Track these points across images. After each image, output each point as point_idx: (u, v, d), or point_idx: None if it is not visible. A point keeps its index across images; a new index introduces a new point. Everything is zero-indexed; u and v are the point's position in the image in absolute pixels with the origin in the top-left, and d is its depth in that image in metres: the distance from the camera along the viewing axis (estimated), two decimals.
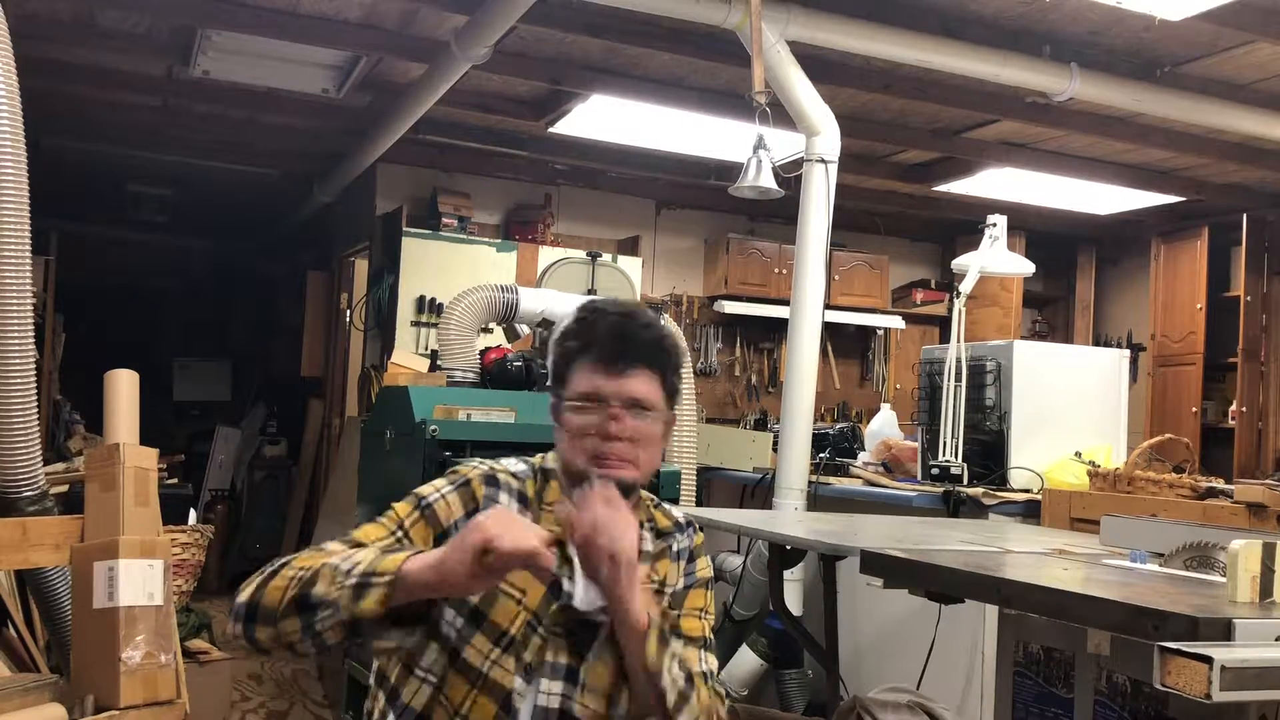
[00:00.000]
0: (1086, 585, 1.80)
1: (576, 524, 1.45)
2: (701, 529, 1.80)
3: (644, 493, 1.71)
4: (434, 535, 1.56)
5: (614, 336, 1.60)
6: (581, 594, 1.52)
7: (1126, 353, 4.26)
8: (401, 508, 1.59)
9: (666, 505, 1.76)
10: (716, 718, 1.61)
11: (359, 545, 1.51)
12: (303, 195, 7.36)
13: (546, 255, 6.24)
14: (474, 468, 1.63)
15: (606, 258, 6.29)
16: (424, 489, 1.61)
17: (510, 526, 1.37)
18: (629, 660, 1.52)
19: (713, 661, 1.67)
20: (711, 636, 1.71)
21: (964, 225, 7.00)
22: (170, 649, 2.47)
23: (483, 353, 3.95)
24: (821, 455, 4.35)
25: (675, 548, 1.71)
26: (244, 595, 1.46)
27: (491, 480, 1.61)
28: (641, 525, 1.65)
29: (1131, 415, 4.25)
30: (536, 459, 1.69)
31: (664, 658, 1.51)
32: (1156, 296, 7.10)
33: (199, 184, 7.54)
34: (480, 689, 1.53)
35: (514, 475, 1.64)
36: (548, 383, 1.68)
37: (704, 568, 1.74)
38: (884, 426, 4.56)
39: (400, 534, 1.56)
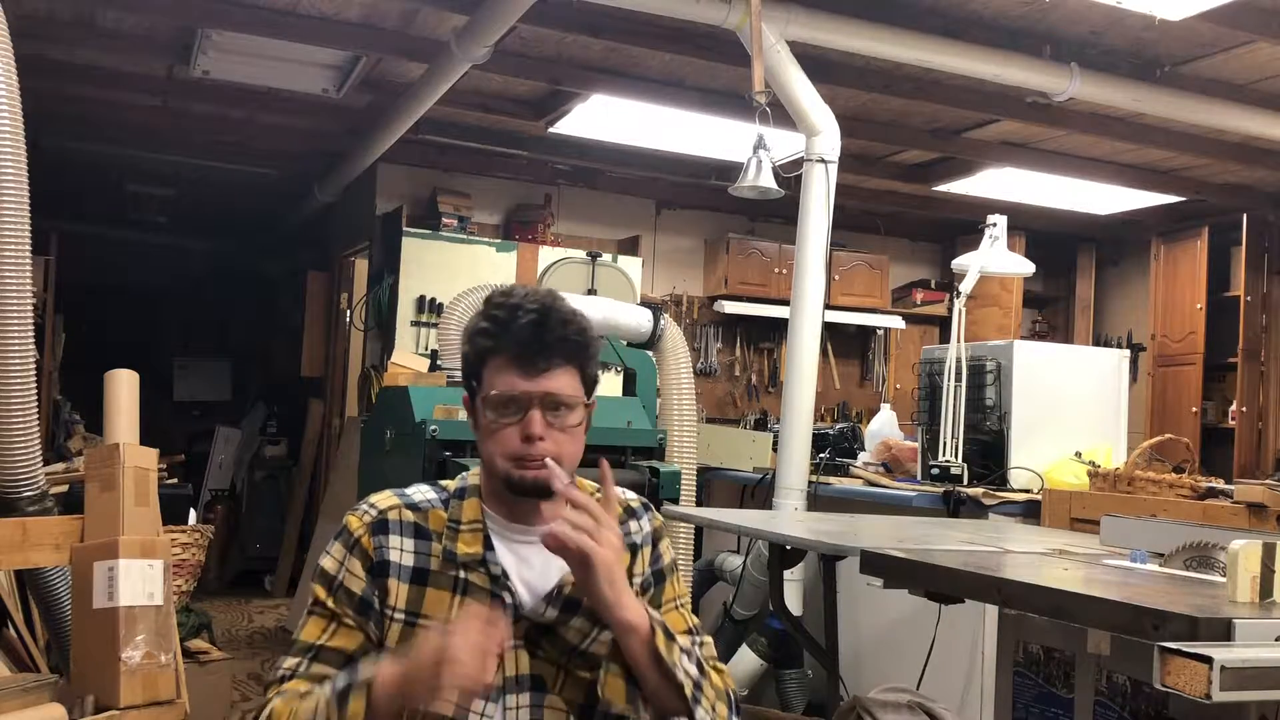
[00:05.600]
0: (1086, 585, 1.80)
1: (546, 536, 1.45)
2: (659, 510, 1.75)
3: (586, 483, 1.64)
4: (357, 609, 1.54)
5: (531, 335, 1.52)
6: (527, 599, 1.54)
7: (1126, 353, 4.26)
8: (319, 590, 1.56)
9: (618, 491, 1.64)
10: (731, 695, 1.61)
11: (305, 652, 1.52)
12: (303, 195, 7.37)
13: (546, 255, 6.24)
14: (361, 517, 1.58)
15: (606, 258, 6.29)
16: (327, 562, 1.56)
17: (467, 660, 1.37)
18: (637, 664, 1.49)
19: (710, 646, 1.66)
20: (696, 620, 1.69)
21: (964, 225, 7.01)
22: (170, 649, 2.47)
23: None
24: (821, 455, 4.35)
25: (633, 539, 1.65)
26: None
27: (380, 527, 1.56)
28: None
29: (1131, 415, 4.25)
30: (453, 482, 1.64)
31: (675, 654, 1.50)
32: (1156, 296, 7.10)
33: (199, 184, 7.54)
34: None
35: (413, 508, 1.58)
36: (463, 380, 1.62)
37: (667, 550, 1.70)
38: (884, 426, 4.55)
39: (334, 624, 1.54)
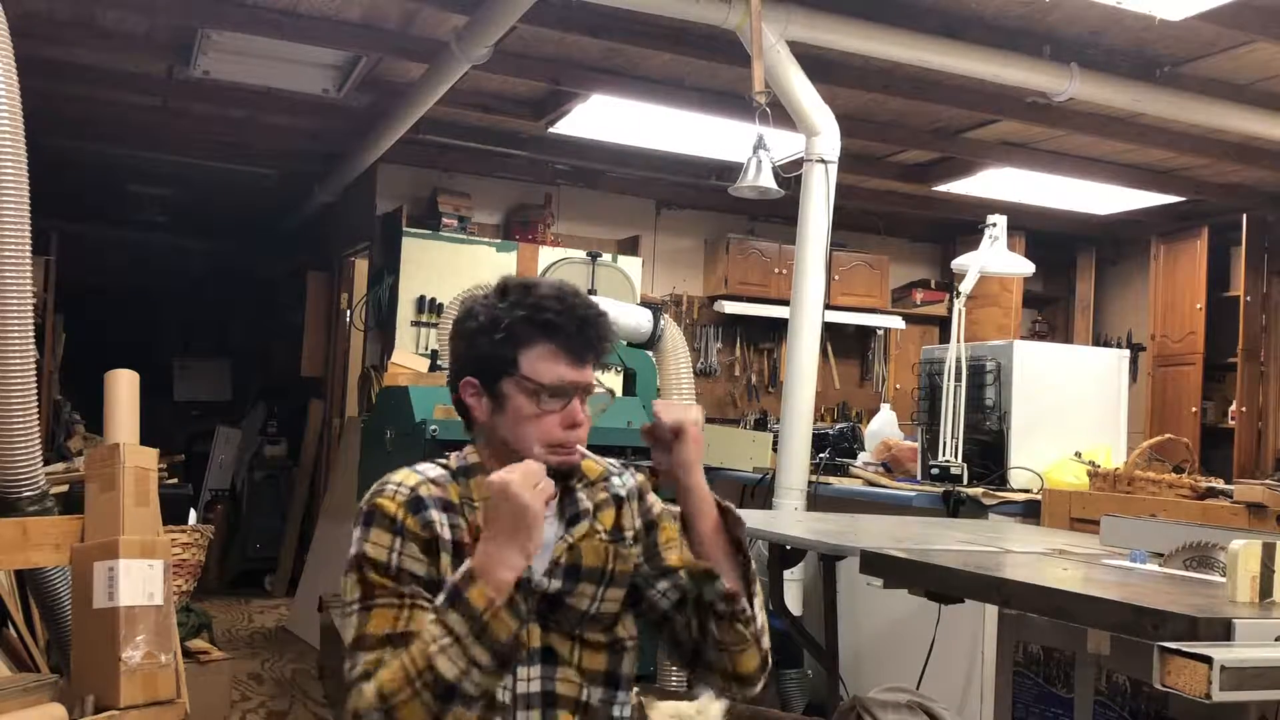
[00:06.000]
0: (1086, 585, 1.80)
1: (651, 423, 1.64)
2: (640, 470, 1.79)
3: (592, 461, 1.71)
4: (428, 589, 1.50)
5: (581, 329, 1.59)
6: (537, 573, 1.57)
7: (1126, 353, 4.27)
8: (379, 579, 1.51)
9: (591, 455, 1.71)
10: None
11: (384, 643, 1.46)
12: (303, 195, 7.36)
13: (546, 255, 6.25)
14: (394, 497, 1.55)
15: (606, 258, 6.29)
16: (372, 550, 1.52)
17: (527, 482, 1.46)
18: (700, 536, 1.64)
19: None
20: None
21: (964, 225, 7.00)
22: (170, 649, 2.47)
23: None
24: (821, 455, 4.35)
25: (616, 492, 1.70)
26: None
27: (417, 504, 1.55)
28: (570, 485, 1.66)
29: (1131, 415, 4.25)
30: (451, 459, 1.65)
31: (743, 534, 1.63)
32: (1156, 296, 7.10)
33: (199, 184, 7.54)
34: None
35: (434, 483, 1.58)
36: (466, 360, 1.63)
37: (656, 501, 1.74)
38: (884, 426, 4.56)
39: (407, 609, 1.49)
